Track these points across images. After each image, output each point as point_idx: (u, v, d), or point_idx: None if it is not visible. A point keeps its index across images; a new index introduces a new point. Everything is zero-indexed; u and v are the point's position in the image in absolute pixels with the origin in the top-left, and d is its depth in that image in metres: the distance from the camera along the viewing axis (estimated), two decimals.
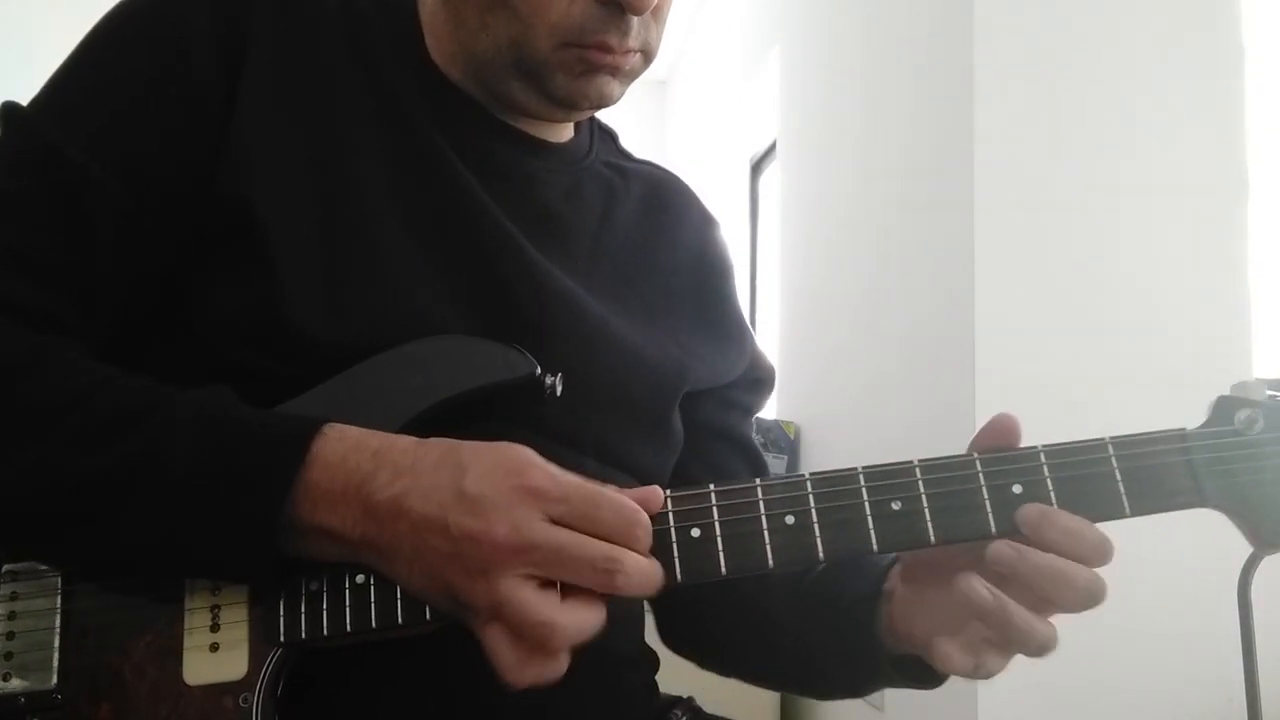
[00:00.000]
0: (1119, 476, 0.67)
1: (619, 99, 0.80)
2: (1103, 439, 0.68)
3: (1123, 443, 0.68)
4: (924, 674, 0.75)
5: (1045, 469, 0.67)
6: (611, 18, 0.72)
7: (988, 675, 0.68)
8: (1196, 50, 2.00)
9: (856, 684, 0.85)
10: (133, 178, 0.69)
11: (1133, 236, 1.96)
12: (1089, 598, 0.65)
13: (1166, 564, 1.79)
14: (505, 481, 0.59)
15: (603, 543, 0.59)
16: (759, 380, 0.93)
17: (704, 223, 0.94)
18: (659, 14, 0.76)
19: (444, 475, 0.59)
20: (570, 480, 0.60)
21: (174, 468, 0.61)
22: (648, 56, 0.78)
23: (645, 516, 0.60)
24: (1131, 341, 1.94)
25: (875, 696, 2.29)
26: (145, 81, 0.71)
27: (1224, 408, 0.69)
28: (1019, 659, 0.68)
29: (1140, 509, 0.67)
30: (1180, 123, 1.98)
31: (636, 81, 0.80)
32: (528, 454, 0.60)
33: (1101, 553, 0.65)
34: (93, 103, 0.71)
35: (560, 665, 0.59)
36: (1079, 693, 1.86)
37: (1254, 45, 2.03)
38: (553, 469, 0.60)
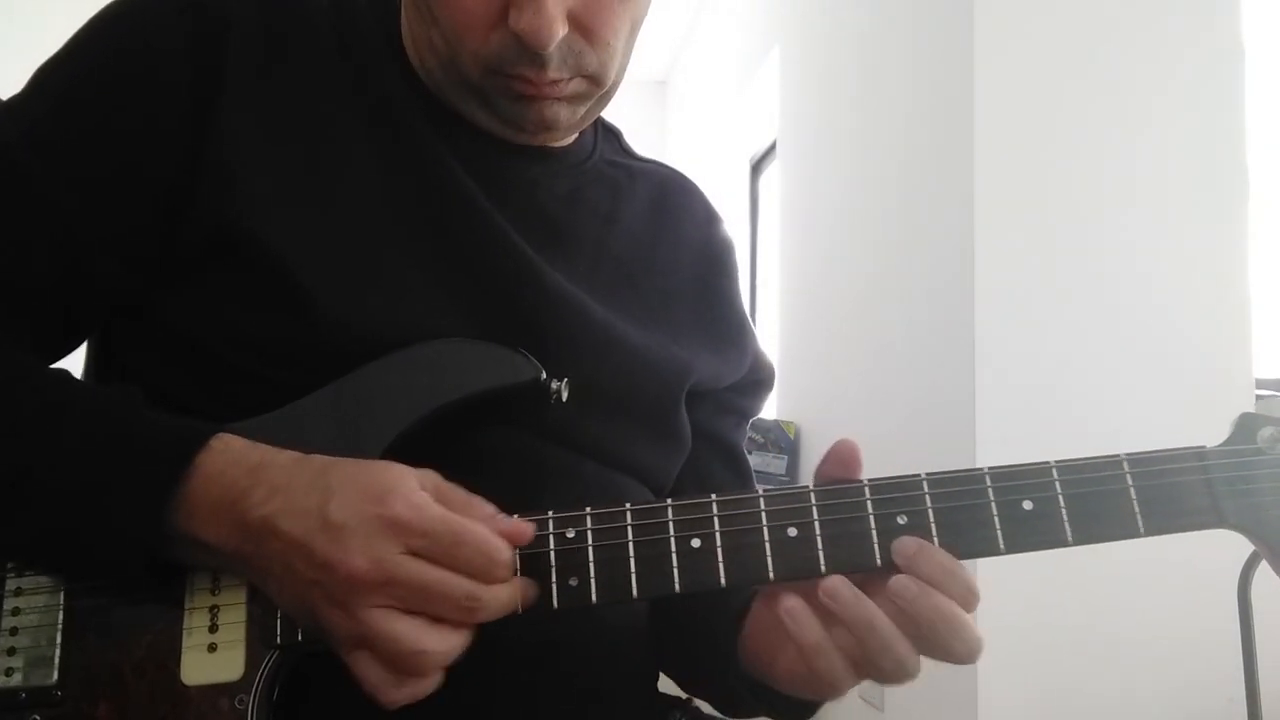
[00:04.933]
0: (1134, 495, 0.64)
1: (572, 121, 0.76)
2: (1117, 456, 0.65)
3: (1138, 460, 0.65)
4: (797, 709, 0.73)
5: (1057, 485, 0.64)
6: (527, 50, 0.69)
7: (831, 687, 0.65)
8: (1196, 50, 2.00)
9: (724, 703, 0.82)
10: (79, 185, 0.69)
11: (1132, 236, 1.96)
12: (967, 654, 0.62)
13: (1167, 565, 1.79)
14: (368, 510, 0.58)
15: (463, 580, 0.59)
16: (758, 382, 0.92)
17: (708, 220, 0.94)
18: (596, 38, 0.71)
19: (313, 498, 0.59)
20: (433, 513, 0.59)
21: (62, 471, 0.61)
22: (596, 79, 0.74)
23: (506, 554, 0.60)
24: (1130, 340, 1.94)
25: (875, 696, 2.29)
26: (106, 94, 0.70)
27: (1246, 425, 0.66)
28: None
29: (1155, 529, 0.64)
30: (1180, 123, 1.98)
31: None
32: (396, 480, 0.60)
33: (969, 598, 0.62)
34: (52, 109, 0.71)
35: (433, 682, 0.59)
36: (1079, 693, 1.87)
37: (1254, 45, 2.03)
38: (418, 499, 0.59)
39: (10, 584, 0.65)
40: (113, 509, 0.61)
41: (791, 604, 0.63)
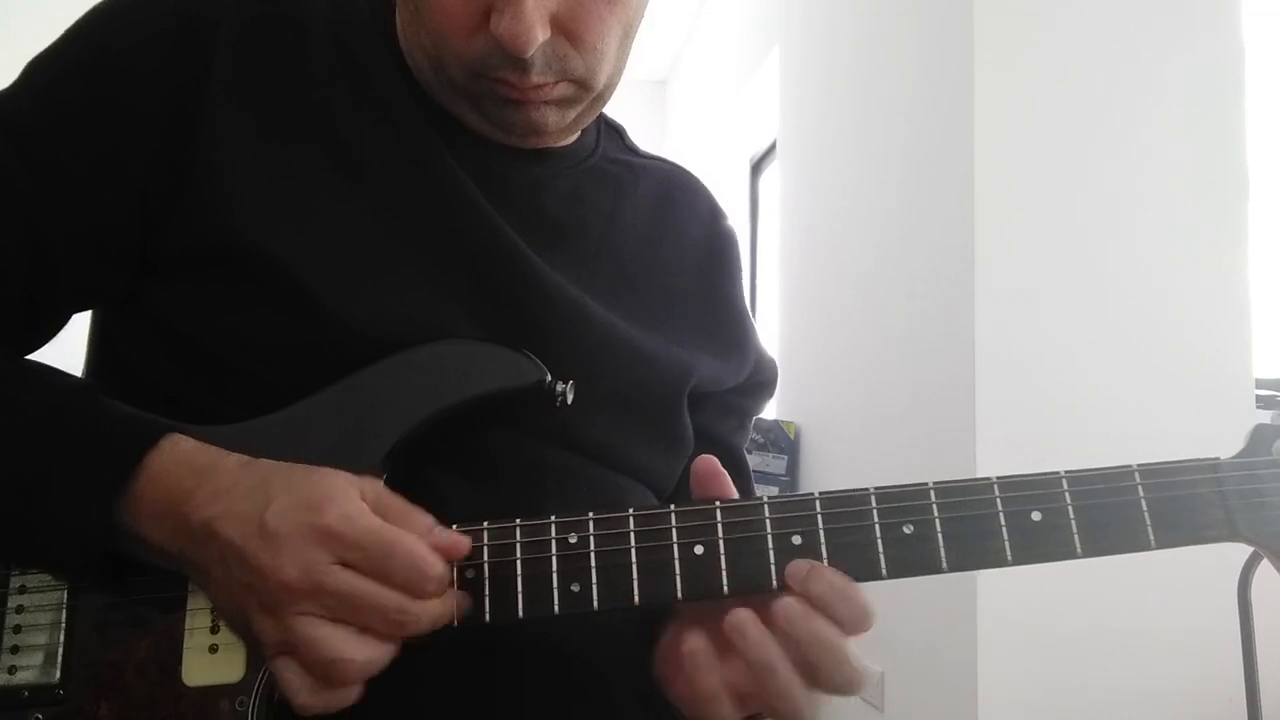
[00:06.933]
0: (1145, 506, 0.63)
1: (562, 124, 0.75)
2: (1129, 466, 0.64)
3: (1150, 471, 0.64)
4: None
5: (1067, 496, 0.63)
6: (508, 55, 0.67)
7: None
8: (1196, 50, 2.00)
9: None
10: (48, 173, 0.69)
11: (1132, 236, 1.96)
12: (846, 684, 0.61)
13: (1167, 564, 1.79)
14: (303, 519, 0.58)
15: (392, 593, 0.58)
16: (761, 383, 0.91)
17: (711, 216, 0.93)
18: (581, 42, 0.70)
19: (253, 504, 0.59)
20: (366, 525, 0.59)
21: (11, 459, 0.62)
22: (585, 84, 0.72)
23: (438, 569, 0.59)
24: (1130, 340, 1.94)
25: (875, 696, 2.28)
26: (87, 87, 0.70)
27: (1261, 437, 0.65)
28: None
29: (1166, 541, 0.63)
30: (1180, 123, 1.98)
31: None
32: (334, 489, 0.59)
33: (861, 618, 0.61)
34: (34, 101, 0.71)
35: (352, 692, 0.59)
36: (1079, 692, 1.87)
37: (1254, 45, 2.03)
38: (353, 509, 0.59)
39: (14, 582, 0.65)
40: (61, 503, 0.61)
41: (695, 646, 0.62)
